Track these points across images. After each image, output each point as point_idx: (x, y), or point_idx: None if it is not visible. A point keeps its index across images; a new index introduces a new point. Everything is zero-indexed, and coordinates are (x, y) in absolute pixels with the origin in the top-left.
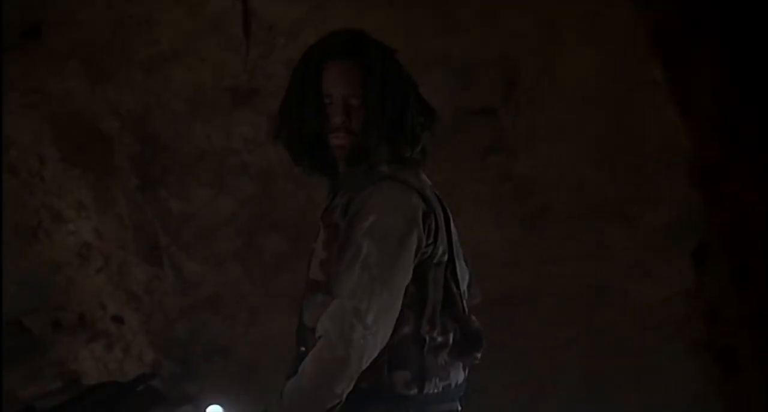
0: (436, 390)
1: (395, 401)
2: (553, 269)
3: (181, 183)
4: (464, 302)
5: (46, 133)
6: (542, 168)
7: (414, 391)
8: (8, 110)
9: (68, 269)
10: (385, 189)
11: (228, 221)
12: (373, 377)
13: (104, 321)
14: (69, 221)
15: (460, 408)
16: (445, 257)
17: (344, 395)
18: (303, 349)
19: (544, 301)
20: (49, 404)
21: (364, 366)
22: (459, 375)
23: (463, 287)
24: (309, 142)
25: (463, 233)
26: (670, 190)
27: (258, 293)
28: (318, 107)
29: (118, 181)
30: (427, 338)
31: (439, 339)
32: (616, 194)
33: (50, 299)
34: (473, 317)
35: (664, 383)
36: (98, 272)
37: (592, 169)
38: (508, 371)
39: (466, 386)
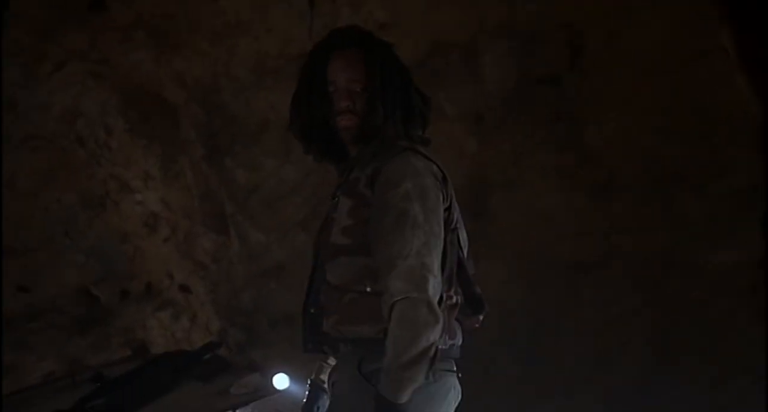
0: (444, 346)
1: None
2: (620, 237)
3: (247, 153)
4: (469, 268)
5: (112, 104)
6: (609, 136)
7: None
8: (76, 81)
9: (136, 238)
10: (410, 158)
11: (293, 191)
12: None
13: (171, 290)
14: (136, 191)
15: (456, 370)
16: (455, 225)
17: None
18: (312, 311)
19: (611, 270)
20: (117, 372)
21: None
22: (460, 337)
23: (466, 254)
24: (318, 130)
25: (530, 202)
26: (738, 158)
27: None
28: (324, 94)
29: (185, 152)
30: (445, 297)
31: (454, 299)
32: (684, 162)
33: (118, 269)
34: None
35: (734, 352)
36: (165, 242)
37: (659, 136)
38: (576, 340)
39: (461, 350)
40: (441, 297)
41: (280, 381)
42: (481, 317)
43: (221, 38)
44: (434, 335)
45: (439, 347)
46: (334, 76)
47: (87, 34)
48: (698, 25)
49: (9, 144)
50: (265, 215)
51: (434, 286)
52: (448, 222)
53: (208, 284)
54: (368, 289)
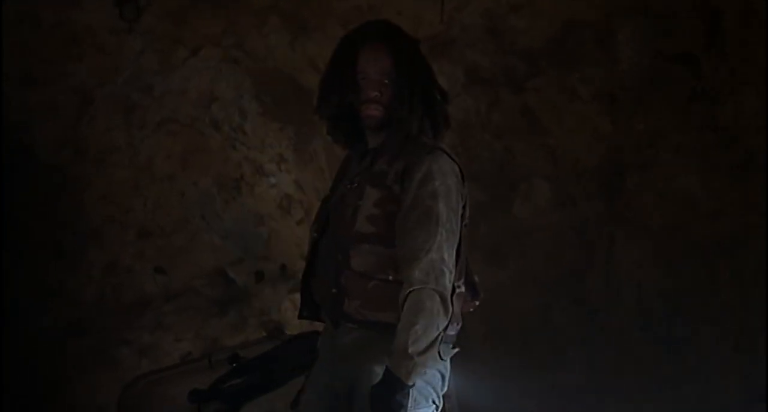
0: (453, 332)
1: None
2: (758, 218)
3: None
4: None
5: (247, 88)
6: (747, 115)
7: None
8: (211, 66)
9: (270, 220)
10: (439, 158)
11: None
12: None
13: None
14: (270, 174)
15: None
16: (467, 220)
17: None
18: (334, 291)
19: (749, 251)
20: (253, 353)
21: None
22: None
23: None
24: (344, 115)
25: (666, 183)
26: None
27: None
28: (353, 82)
29: (318, 135)
30: (455, 286)
31: (461, 288)
32: None
33: (253, 250)
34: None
35: None
36: (299, 224)
37: None
38: (713, 322)
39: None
40: (454, 287)
41: None
42: (477, 303)
43: (353, 22)
44: (443, 325)
45: (450, 333)
46: (364, 67)
47: (222, 19)
48: None
49: (146, 129)
50: None
51: (450, 280)
52: (463, 218)
53: None
54: (390, 277)
